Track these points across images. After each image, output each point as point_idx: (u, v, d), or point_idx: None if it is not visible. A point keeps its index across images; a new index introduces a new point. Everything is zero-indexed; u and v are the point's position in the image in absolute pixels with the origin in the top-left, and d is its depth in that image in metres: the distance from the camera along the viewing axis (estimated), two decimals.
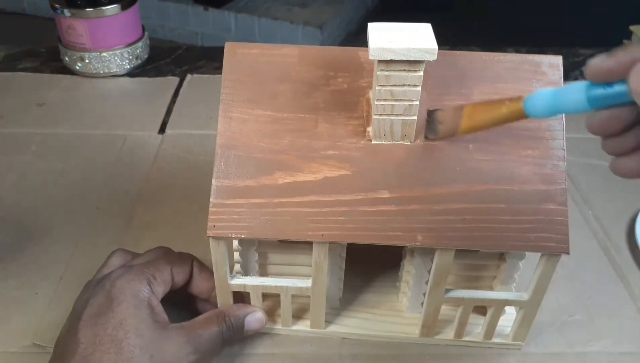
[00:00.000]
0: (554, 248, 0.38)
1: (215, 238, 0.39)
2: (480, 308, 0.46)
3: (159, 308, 0.41)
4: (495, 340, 0.46)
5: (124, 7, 0.77)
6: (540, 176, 0.39)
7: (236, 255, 0.43)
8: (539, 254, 0.39)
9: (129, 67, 0.81)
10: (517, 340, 0.45)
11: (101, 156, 0.65)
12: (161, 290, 0.42)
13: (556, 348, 0.46)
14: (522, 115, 0.34)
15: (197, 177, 0.62)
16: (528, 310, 0.43)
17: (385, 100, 0.38)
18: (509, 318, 0.46)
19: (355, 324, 0.47)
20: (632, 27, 0.89)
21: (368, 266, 0.50)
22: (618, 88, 0.29)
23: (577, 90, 0.31)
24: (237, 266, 0.44)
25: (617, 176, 0.32)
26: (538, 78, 0.41)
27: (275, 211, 0.38)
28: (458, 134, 0.38)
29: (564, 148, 0.40)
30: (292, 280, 0.43)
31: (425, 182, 0.39)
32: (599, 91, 0.30)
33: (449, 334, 0.46)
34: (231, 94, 0.41)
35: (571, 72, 0.85)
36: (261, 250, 0.43)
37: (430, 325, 0.44)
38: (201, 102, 0.75)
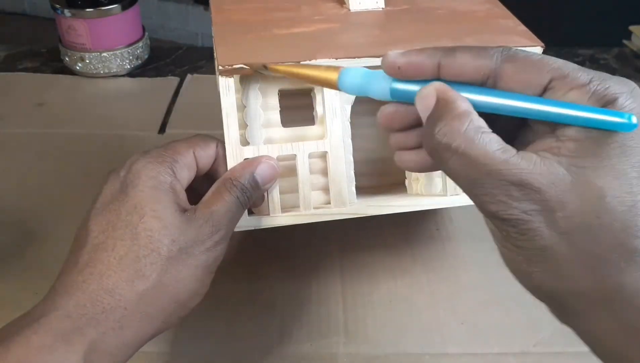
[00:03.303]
0: (526, 44, 0.43)
1: (227, 74, 0.39)
2: None
3: (183, 195, 0.37)
4: None
5: (124, 7, 0.77)
6: (488, 8, 0.48)
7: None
8: None
9: (129, 67, 0.81)
10: None
11: (101, 156, 0.65)
12: (185, 174, 0.38)
13: (556, 348, 0.46)
14: (334, 86, 0.32)
15: None
16: None
17: None
18: None
19: (377, 202, 0.44)
20: (632, 27, 0.89)
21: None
22: (414, 88, 0.28)
23: (385, 78, 0.29)
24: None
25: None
26: None
27: (283, 43, 0.43)
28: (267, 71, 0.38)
29: None
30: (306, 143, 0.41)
31: (404, 26, 0.46)
32: (402, 86, 0.29)
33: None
34: None
35: None
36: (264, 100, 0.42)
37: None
38: (201, 102, 0.75)
